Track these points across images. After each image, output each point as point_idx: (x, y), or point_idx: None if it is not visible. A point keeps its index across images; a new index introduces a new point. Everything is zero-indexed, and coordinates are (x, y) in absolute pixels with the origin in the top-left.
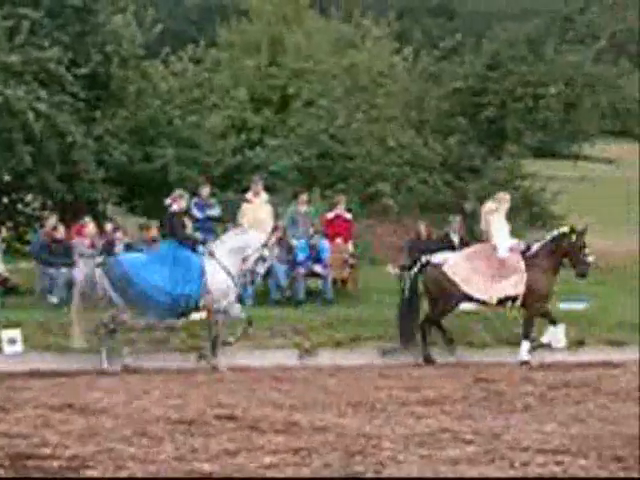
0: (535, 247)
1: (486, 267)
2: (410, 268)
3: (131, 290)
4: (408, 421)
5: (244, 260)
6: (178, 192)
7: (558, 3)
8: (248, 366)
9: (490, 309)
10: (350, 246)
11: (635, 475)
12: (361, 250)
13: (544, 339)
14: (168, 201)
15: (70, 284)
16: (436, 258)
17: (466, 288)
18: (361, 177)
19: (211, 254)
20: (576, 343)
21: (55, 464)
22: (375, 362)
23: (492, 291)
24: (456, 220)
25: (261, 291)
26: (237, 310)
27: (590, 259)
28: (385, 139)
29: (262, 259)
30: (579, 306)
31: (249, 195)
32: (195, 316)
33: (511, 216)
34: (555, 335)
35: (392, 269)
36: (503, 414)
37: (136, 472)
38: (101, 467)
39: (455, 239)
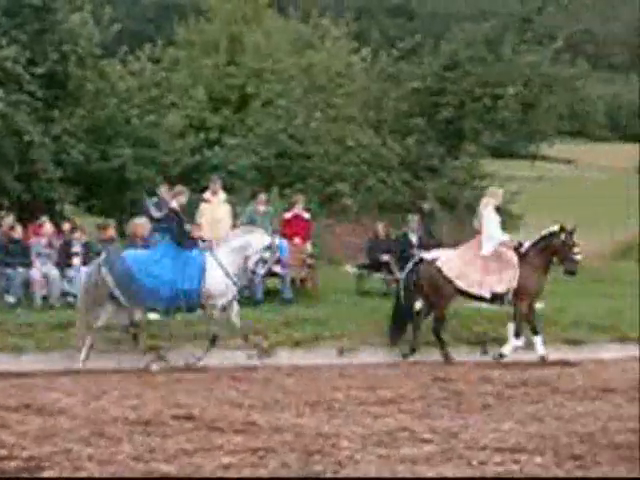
0: (526, 245)
1: (479, 260)
2: (369, 267)
3: (134, 286)
4: (366, 420)
5: (245, 259)
6: (179, 188)
7: (516, 4)
8: (206, 366)
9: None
10: (309, 246)
11: (593, 475)
12: (319, 250)
13: (514, 343)
14: (167, 197)
15: (27, 284)
16: (429, 255)
17: (461, 283)
18: (320, 177)
19: (211, 251)
20: (534, 342)
21: (12, 465)
22: (334, 362)
23: (486, 285)
24: (414, 220)
25: None
26: (235, 311)
27: (579, 257)
28: (344, 139)
29: (263, 261)
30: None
31: (207, 194)
32: (153, 316)
33: (468, 216)
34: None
35: (351, 269)
36: (461, 413)
37: (94, 473)
38: (58, 468)
39: (413, 239)
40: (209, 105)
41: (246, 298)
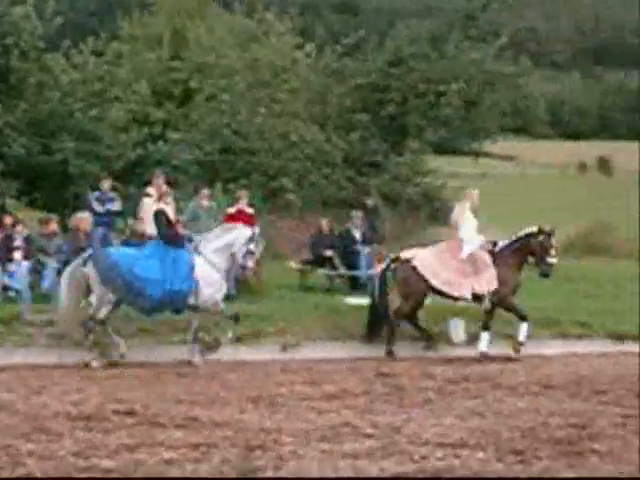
0: (501, 244)
1: (455, 263)
2: (313, 262)
3: (121, 282)
4: (309, 416)
5: (232, 256)
6: (163, 189)
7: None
8: (149, 361)
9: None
10: None
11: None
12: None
13: (521, 337)
14: (154, 198)
15: None
16: (405, 254)
17: (435, 282)
18: (264, 172)
19: (198, 251)
20: (475, 338)
21: None
22: (277, 357)
23: (464, 287)
24: (358, 215)
25: None
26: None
27: (554, 260)
28: (288, 134)
29: (250, 253)
30: (364, 301)
31: (150, 189)
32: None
33: (411, 212)
34: (455, 330)
35: (294, 264)
36: (403, 408)
37: (34, 469)
38: None
39: (357, 234)
40: (152, 99)
41: None
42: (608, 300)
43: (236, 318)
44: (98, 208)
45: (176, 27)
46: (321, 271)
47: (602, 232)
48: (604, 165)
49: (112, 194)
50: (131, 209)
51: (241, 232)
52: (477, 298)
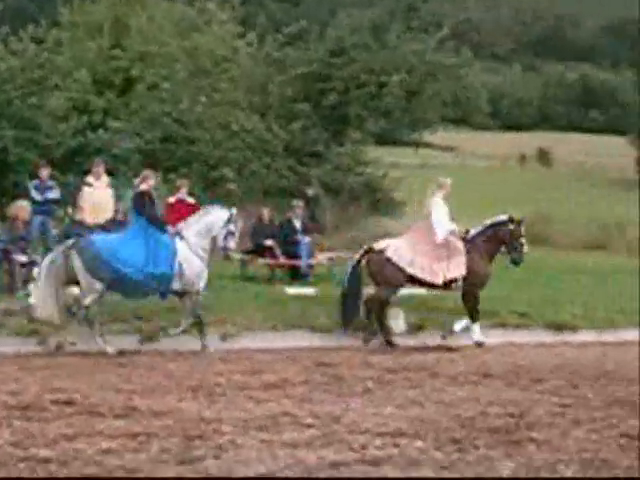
0: (473, 232)
1: (428, 249)
2: (253, 252)
3: (104, 269)
4: (248, 405)
5: (212, 240)
6: (146, 172)
7: None
8: (88, 351)
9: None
10: None
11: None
12: None
13: (456, 327)
14: (137, 181)
15: None
16: (378, 245)
17: (411, 270)
18: (204, 161)
19: (180, 236)
20: (415, 328)
21: None
22: (217, 347)
23: (436, 273)
24: (299, 205)
25: None
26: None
27: (525, 249)
28: (229, 124)
29: (231, 233)
30: (308, 291)
31: (90, 178)
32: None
33: (352, 202)
34: (395, 320)
35: (235, 254)
36: (343, 398)
37: None
38: None
39: (297, 224)
40: (93, 88)
41: None
42: (547, 290)
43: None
44: (37, 197)
45: (117, 15)
46: (262, 261)
47: (542, 223)
48: (544, 156)
49: (51, 183)
50: (70, 198)
51: (218, 215)
52: (447, 286)
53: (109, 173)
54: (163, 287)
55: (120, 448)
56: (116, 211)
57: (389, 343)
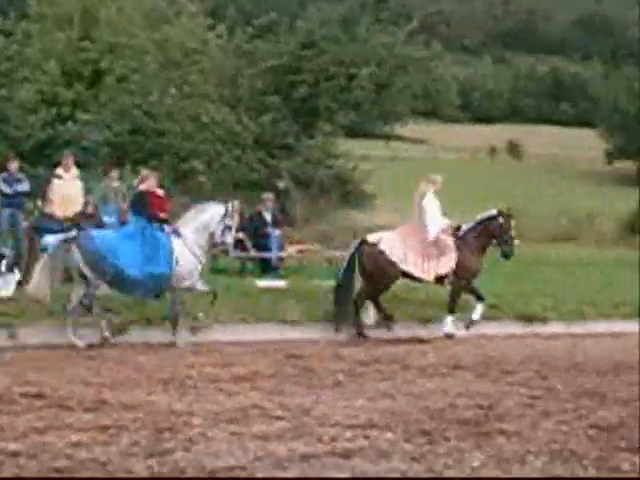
0: (464, 228)
1: (420, 246)
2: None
3: (103, 265)
4: (218, 398)
5: (210, 236)
6: (145, 172)
7: None
8: (58, 344)
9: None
10: None
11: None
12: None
13: (474, 316)
14: (136, 181)
15: None
16: (371, 237)
17: (404, 266)
18: (174, 154)
19: (177, 234)
20: (386, 320)
21: None
22: (187, 340)
23: (427, 270)
24: (269, 198)
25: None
26: (201, 285)
27: (516, 242)
28: (199, 116)
29: (228, 228)
30: (279, 284)
31: (59, 170)
32: (2, 293)
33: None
34: (366, 311)
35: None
36: (313, 390)
37: None
38: None
39: (268, 217)
40: (62, 80)
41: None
42: (517, 282)
43: (215, 295)
44: (6, 189)
45: (86, 6)
46: (232, 253)
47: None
48: (514, 149)
49: (20, 175)
50: (40, 190)
51: (215, 210)
52: (438, 280)
53: (78, 165)
54: (161, 285)
55: (90, 441)
56: (86, 203)
57: (361, 335)
